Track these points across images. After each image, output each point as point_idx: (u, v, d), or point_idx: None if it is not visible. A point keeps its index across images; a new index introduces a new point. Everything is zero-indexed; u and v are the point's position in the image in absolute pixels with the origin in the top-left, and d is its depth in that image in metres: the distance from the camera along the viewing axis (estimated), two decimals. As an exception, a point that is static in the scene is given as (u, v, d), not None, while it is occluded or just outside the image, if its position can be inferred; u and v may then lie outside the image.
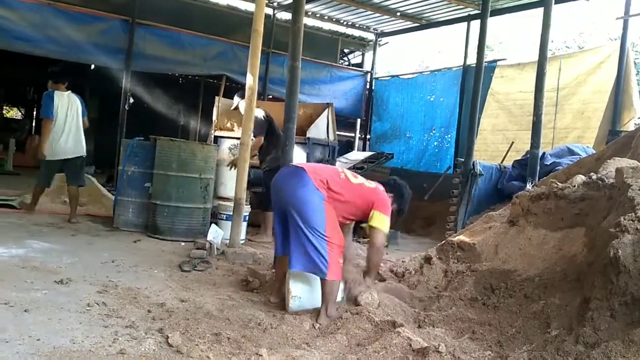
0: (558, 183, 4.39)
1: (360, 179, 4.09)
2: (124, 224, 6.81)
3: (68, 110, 6.89)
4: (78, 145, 6.99)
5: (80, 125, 7.03)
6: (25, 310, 3.32)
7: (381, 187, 4.12)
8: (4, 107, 17.82)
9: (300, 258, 3.72)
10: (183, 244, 6.22)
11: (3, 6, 9.36)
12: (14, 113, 20.20)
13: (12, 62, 12.19)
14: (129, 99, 10.84)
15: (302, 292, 3.86)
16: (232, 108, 7.51)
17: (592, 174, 4.33)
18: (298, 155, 7.68)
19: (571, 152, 7.86)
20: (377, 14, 12.58)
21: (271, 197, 4.11)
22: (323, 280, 3.71)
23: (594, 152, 6.96)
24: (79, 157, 7.02)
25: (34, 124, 17.61)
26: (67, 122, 6.89)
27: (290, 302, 3.83)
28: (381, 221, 3.95)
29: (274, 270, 4.57)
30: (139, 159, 6.83)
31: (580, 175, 4.41)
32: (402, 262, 4.76)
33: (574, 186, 4.18)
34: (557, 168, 7.01)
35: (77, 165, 7.05)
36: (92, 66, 13.38)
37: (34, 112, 18.21)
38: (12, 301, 3.44)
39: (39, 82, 15.78)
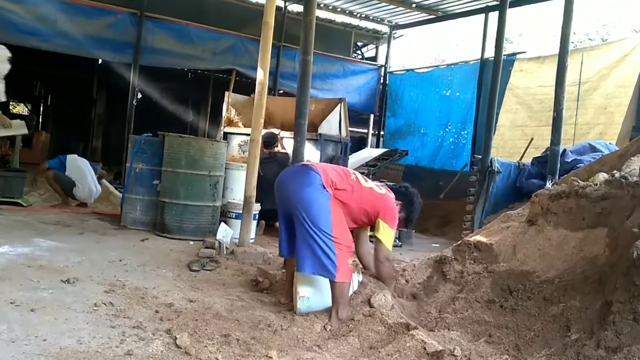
0: (579, 181, 4.29)
1: (370, 183, 3.99)
2: (131, 223, 6.78)
3: None
4: None
5: None
6: (32, 310, 3.30)
7: (391, 194, 4.02)
8: (11, 103, 17.83)
9: (308, 260, 3.60)
10: (192, 242, 6.18)
11: (10, 0, 9.32)
12: (21, 109, 20.25)
13: (19, 56, 12.16)
14: (137, 95, 10.82)
15: (310, 293, 3.78)
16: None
17: (614, 171, 4.24)
18: (309, 152, 7.63)
19: (593, 149, 7.69)
20: (392, 6, 12.42)
21: (275, 197, 3.99)
22: (332, 283, 3.63)
23: (617, 148, 6.81)
24: None
25: (40, 120, 17.63)
26: None
27: (299, 303, 3.74)
28: (386, 235, 3.89)
29: (284, 271, 4.50)
30: (147, 156, 6.80)
31: (602, 173, 4.32)
32: (414, 264, 4.66)
33: (596, 184, 4.08)
34: (578, 165, 6.89)
35: None
36: (100, 61, 13.36)
37: (41, 108, 18.22)
38: (18, 300, 3.44)
39: (46, 77, 15.85)
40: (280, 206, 3.93)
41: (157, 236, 6.40)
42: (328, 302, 3.69)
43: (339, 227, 3.66)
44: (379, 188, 4.00)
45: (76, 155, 8.11)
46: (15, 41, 9.65)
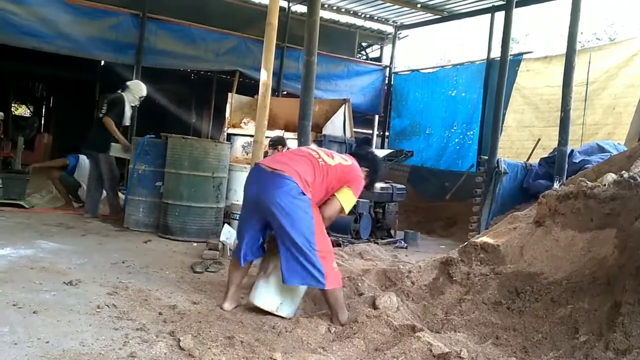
0: (587, 182, 4.26)
1: (337, 158, 3.86)
2: (134, 224, 6.76)
3: None
4: None
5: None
6: (34, 312, 3.29)
7: (356, 163, 3.93)
8: (13, 105, 17.84)
9: (296, 272, 3.51)
10: (195, 244, 6.16)
11: (12, 1, 9.36)
12: (23, 110, 20.22)
13: (21, 58, 12.18)
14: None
15: (278, 299, 3.69)
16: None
17: (623, 172, 4.21)
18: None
19: (601, 150, 7.64)
20: (397, 6, 12.36)
21: (244, 198, 3.84)
22: (324, 292, 3.60)
23: (626, 149, 6.76)
24: None
25: (42, 122, 17.62)
26: None
27: (282, 314, 3.66)
28: (347, 199, 3.79)
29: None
30: (149, 158, 6.79)
31: (610, 174, 4.30)
32: (420, 266, 4.63)
33: (604, 185, 4.05)
34: (586, 166, 6.84)
35: None
36: (102, 62, 13.35)
37: (43, 109, 18.21)
38: (20, 302, 3.42)
39: (48, 78, 15.84)
40: (250, 209, 3.75)
41: (160, 238, 6.38)
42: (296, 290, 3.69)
43: (320, 235, 3.60)
44: (345, 160, 3.90)
45: (85, 156, 8.07)
46: (17, 43, 9.67)
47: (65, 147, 10.01)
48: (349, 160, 3.91)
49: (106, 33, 10.37)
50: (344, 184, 3.78)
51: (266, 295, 3.69)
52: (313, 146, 4.07)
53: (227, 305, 3.76)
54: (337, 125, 8.48)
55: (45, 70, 14.10)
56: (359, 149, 4.42)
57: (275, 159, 3.84)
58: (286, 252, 3.54)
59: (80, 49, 10.17)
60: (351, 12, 13.14)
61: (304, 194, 3.57)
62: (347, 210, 3.88)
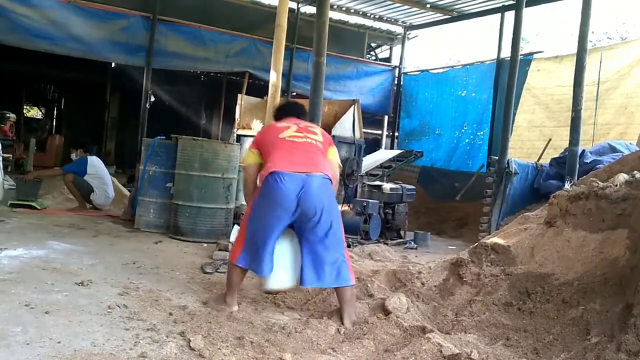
0: (599, 182, 4.22)
1: (318, 133, 3.94)
2: (145, 225, 6.78)
3: None
4: None
5: None
6: (46, 312, 3.30)
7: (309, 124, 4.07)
8: (25, 107, 17.97)
9: (327, 271, 3.57)
10: (205, 245, 6.17)
11: (23, 4, 9.48)
12: (34, 112, 20.38)
13: (33, 60, 12.29)
14: (150, 97, 10.85)
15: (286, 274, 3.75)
16: None
17: (635, 172, 4.17)
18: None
19: (613, 150, 7.58)
20: (406, 6, 12.36)
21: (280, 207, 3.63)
22: (348, 288, 3.63)
23: (638, 149, 6.71)
24: None
25: (54, 124, 17.75)
26: None
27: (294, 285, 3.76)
28: (335, 154, 3.98)
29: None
30: (160, 159, 6.80)
31: (622, 174, 4.24)
32: (430, 266, 4.62)
33: (616, 185, 4.01)
34: (597, 166, 6.77)
35: None
36: (113, 64, 13.43)
37: (55, 111, 18.34)
38: (32, 303, 3.44)
39: (60, 80, 15.97)
40: (283, 217, 3.60)
41: (171, 239, 6.39)
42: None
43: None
44: (314, 128, 4.02)
45: (95, 158, 8.06)
46: (29, 45, 9.76)
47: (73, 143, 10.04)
48: (317, 129, 4.04)
49: (117, 35, 10.45)
50: (327, 147, 3.90)
51: (280, 276, 3.70)
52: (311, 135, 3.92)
53: (236, 307, 3.75)
54: (347, 126, 8.46)
55: (56, 72, 14.22)
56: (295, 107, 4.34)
57: (297, 162, 3.66)
58: (326, 253, 3.59)
59: (91, 51, 10.25)
60: (360, 12, 13.14)
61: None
62: (338, 160, 4.03)
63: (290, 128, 3.85)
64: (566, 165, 7.05)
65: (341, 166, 4.24)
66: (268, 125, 4.79)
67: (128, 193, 8.65)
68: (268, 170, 3.61)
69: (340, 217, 3.70)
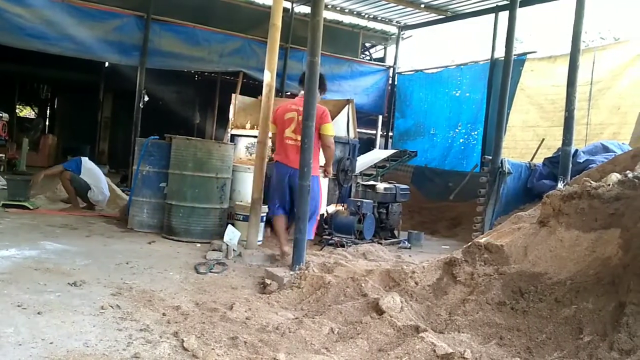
0: (591, 182, 4.23)
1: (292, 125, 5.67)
2: (138, 225, 6.77)
3: None
4: None
5: None
6: (39, 313, 3.30)
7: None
8: (17, 106, 17.90)
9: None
10: (199, 245, 6.17)
11: (17, 3, 9.42)
12: (27, 112, 20.31)
13: (26, 60, 12.23)
14: (143, 97, 10.82)
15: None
16: None
17: (628, 172, 4.18)
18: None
19: (606, 149, 7.58)
20: (400, 6, 12.38)
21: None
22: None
23: (631, 149, 6.72)
24: None
25: (47, 123, 17.68)
26: None
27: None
28: (328, 129, 5.62)
29: (292, 273, 4.62)
30: (154, 159, 6.78)
31: (615, 174, 4.25)
32: (424, 266, 4.62)
33: (609, 185, 4.02)
34: (590, 166, 6.78)
35: None
36: (106, 64, 13.38)
37: (48, 111, 18.27)
38: (25, 303, 3.44)
39: (53, 80, 15.91)
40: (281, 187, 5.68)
41: (164, 239, 6.38)
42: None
43: None
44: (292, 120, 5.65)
45: (87, 159, 8.07)
46: (22, 44, 9.71)
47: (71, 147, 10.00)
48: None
49: (110, 35, 10.41)
50: (317, 125, 5.33)
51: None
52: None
53: (288, 248, 5.25)
54: (341, 125, 8.43)
55: (49, 72, 14.18)
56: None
57: (289, 158, 5.64)
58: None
59: (84, 50, 10.21)
60: (355, 12, 13.15)
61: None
62: (333, 133, 5.77)
63: (292, 125, 5.63)
64: (559, 165, 7.04)
65: (335, 134, 5.88)
66: (280, 107, 5.91)
67: (121, 193, 8.63)
68: (275, 158, 5.87)
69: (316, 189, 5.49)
